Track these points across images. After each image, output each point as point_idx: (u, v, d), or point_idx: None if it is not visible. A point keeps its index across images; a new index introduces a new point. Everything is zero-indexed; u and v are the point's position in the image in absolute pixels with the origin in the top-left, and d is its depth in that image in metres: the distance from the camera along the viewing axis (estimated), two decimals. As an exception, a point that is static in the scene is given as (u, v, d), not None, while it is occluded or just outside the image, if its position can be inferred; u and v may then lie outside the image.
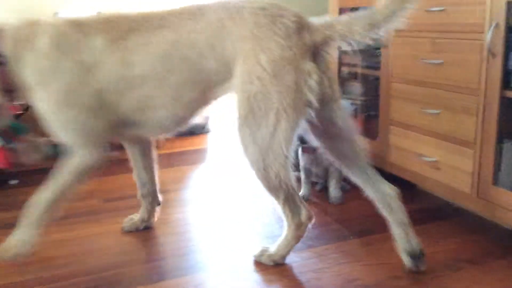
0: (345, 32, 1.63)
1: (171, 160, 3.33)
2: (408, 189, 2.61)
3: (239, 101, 1.68)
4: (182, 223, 2.31)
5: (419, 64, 2.25)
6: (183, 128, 1.90)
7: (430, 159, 2.24)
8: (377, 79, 2.61)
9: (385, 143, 2.53)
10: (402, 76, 2.37)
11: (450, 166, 2.14)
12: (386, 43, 2.44)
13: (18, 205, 2.56)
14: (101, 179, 2.95)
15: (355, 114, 2.92)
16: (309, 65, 1.63)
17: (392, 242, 2.04)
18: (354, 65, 2.91)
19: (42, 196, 1.82)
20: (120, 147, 3.68)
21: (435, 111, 2.18)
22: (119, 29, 1.73)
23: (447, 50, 2.09)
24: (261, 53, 1.61)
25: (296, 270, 1.85)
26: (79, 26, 1.74)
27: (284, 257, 1.88)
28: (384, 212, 1.83)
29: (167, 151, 3.55)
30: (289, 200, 1.77)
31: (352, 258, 1.93)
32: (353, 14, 1.65)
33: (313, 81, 1.63)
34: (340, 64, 2.93)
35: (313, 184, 2.60)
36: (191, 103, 1.77)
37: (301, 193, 2.52)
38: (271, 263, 1.87)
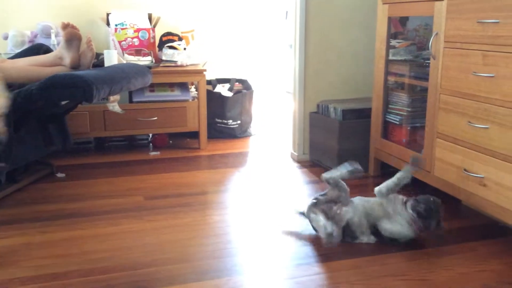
0: None
1: (212, 162, 3.37)
2: (453, 205, 2.54)
3: None
4: (221, 225, 2.33)
5: (469, 76, 2.19)
6: None
7: (476, 175, 2.17)
8: (424, 90, 2.56)
9: (430, 156, 2.48)
10: (451, 88, 2.31)
11: (497, 184, 2.07)
12: (435, 54, 2.39)
13: (65, 198, 2.68)
14: (144, 177, 3.02)
15: (400, 125, 2.87)
16: None
17: (434, 258, 1.99)
18: (402, 75, 2.87)
19: None
20: (162, 147, 3.78)
21: (484, 126, 2.11)
22: None
23: (499, 64, 2.02)
24: None
25: (334, 280, 1.83)
26: None
27: None
28: None
29: (209, 153, 3.59)
30: None
31: (392, 272, 1.89)
32: None
33: None
34: (386, 73, 2.88)
35: None
36: None
37: None
38: None
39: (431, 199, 2.08)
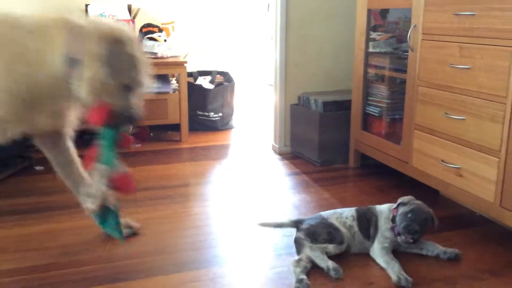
0: None
1: (193, 155, 3.36)
2: (431, 195, 2.58)
3: None
4: (202, 217, 2.34)
5: (446, 68, 2.22)
6: None
7: (453, 166, 2.21)
8: (403, 82, 2.59)
9: (409, 147, 2.51)
10: (428, 80, 2.34)
11: (473, 174, 2.10)
12: (413, 46, 2.41)
13: (43, 191, 2.65)
14: (125, 170, 3.00)
15: (379, 117, 2.89)
16: None
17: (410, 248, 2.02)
18: (381, 68, 2.89)
19: None
20: (144, 140, 3.74)
21: (461, 117, 2.15)
22: None
23: (475, 56, 2.05)
24: None
25: (313, 270, 1.85)
26: None
27: None
28: None
29: (190, 146, 3.58)
30: None
31: (371, 262, 1.92)
32: None
33: None
34: (366, 65, 2.90)
35: None
36: None
37: None
38: None
39: (412, 218, 1.88)
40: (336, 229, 1.95)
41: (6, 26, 1.70)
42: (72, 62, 1.68)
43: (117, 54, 1.72)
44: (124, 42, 1.75)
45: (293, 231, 2.06)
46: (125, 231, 2.07)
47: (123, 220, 2.13)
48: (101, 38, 1.69)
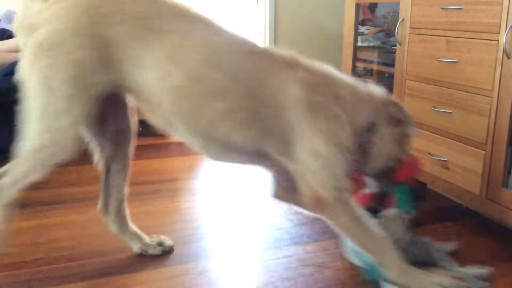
0: None
1: (182, 149, 3.36)
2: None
3: None
4: (190, 211, 2.34)
5: (433, 62, 2.23)
6: None
7: (440, 159, 2.23)
8: (392, 76, 2.60)
9: (397, 140, 2.52)
10: (416, 74, 2.35)
11: (460, 167, 2.12)
12: (401, 40, 2.43)
13: (31, 186, 2.62)
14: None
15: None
16: None
17: (397, 240, 2.04)
18: (371, 62, 2.90)
19: None
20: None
21: (448, 111, 2.17)
22: None
23: (462, 49, 2.07)
24: None
25: (300, 263, 1.86)
26: None
27: None
28: None
29: (179, 140, 3.57)
30: None
31: (357, 254, 1.93)
32: None
33: None
34: (355, 59, 2.91)
35: None
36: None
37: None
38: None
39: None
40: None
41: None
42: (372, 127, 1.72)
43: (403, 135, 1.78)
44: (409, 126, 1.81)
45: (280, 225, 2.07)
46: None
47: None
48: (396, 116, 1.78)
